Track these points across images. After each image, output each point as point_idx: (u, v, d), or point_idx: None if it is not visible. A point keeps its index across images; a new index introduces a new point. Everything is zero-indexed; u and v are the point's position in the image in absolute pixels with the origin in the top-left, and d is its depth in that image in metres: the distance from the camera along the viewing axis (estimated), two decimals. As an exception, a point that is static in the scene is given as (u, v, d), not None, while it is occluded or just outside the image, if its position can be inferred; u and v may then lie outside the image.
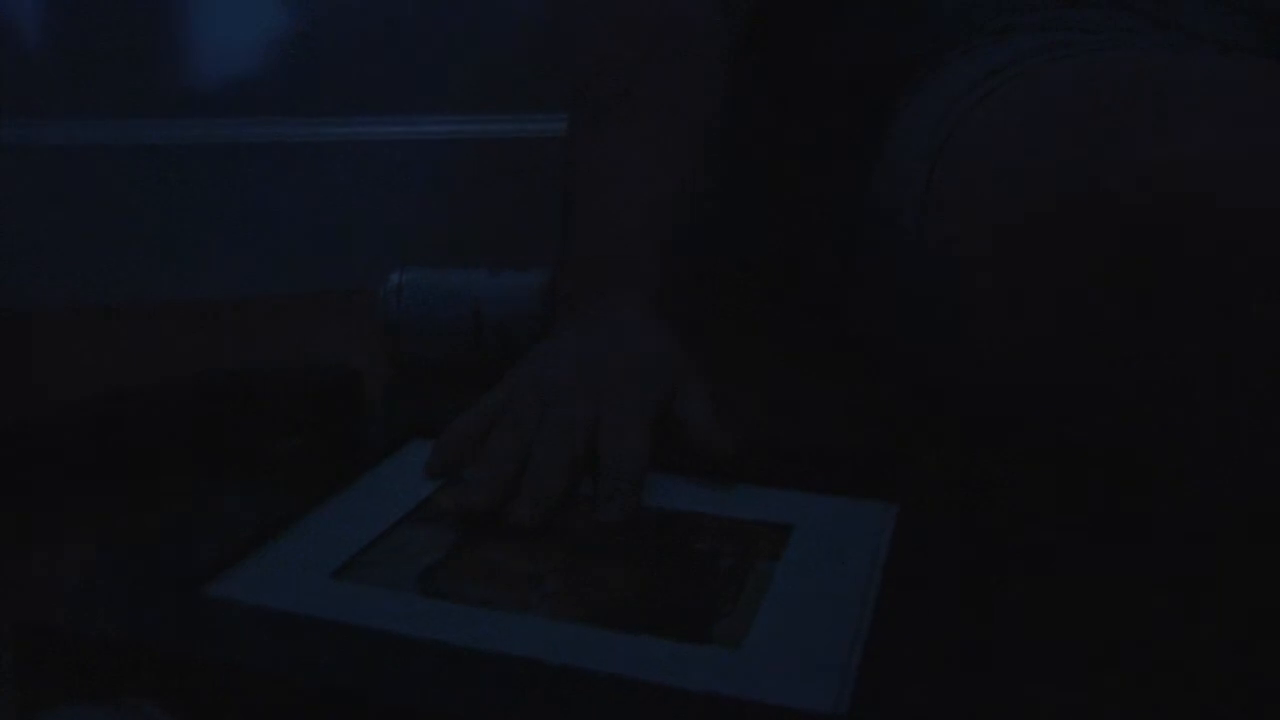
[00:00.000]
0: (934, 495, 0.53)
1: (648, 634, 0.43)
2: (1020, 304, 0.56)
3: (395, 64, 1.05)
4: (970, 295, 0.60)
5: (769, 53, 0.87)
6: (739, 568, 0.48)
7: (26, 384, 0.77)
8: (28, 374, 0.79)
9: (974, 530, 0.50)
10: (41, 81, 0.96)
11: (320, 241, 1.05)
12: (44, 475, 0.61)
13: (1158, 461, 0.54)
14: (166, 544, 0.48)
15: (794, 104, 0.86)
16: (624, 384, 0.58)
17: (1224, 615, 0.48)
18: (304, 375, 0.65)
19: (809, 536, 0.51)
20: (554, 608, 0.45)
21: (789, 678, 0.40)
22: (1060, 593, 0.50)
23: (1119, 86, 0.53)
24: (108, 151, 0.98)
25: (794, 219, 0.88)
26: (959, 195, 0.61)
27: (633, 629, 0.43)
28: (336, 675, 0.40)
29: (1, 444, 0.60)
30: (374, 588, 0.46)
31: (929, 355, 0.68)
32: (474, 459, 0.56)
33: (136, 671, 0.41)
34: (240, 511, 0.52)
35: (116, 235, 0.99)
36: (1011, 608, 0.48)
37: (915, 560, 0.47)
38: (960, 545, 0.49)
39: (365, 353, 0.87)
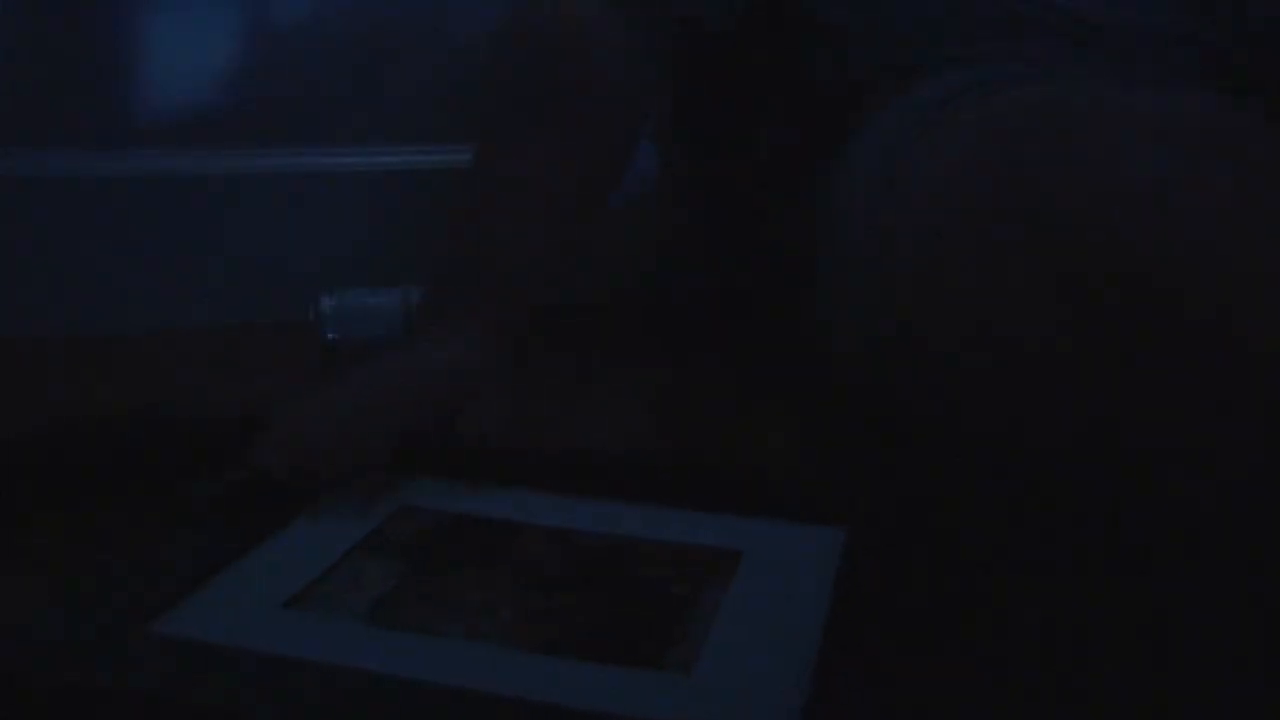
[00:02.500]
0: (883, 521, 0.54)
1: (599, 663, 0.43)
2: (970, 333, 0.57)
3: (341, 96, 1.05)
4: (921, 323, 0.61)
5: (716, 86, 0.88)
6: (689, 595, 0.49)
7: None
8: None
9: (923, 555, 0.50)
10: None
11: (266, 272, 1.04)
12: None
13: (1104, 482, 0.55)
14: (113, 582, 0.48)
15: (742, 133, 0.87)
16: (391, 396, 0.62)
17: (1180, 632, 0.49)
18: (221, 414, 0.66)
19: (758, 563, 0.52)
20: (506, 637, 0.45)
21: (740, 704, 0.40)
22: (1011, 617, 0.51)
23: (1059, 119, 0.55)
24: (54, 184, 0.97)
25: (747, 247, 0.89)
26: (906, 226, 0.62)
27: (584, 658, 0.44)
28: (285, 710, 0.39)
29: None
30: (324, 619, 0.46)
31: (883, 382, 0.69)
32: None
33: (84, 712, 0.41)
34: (187, 547, 0.52)
35: (61, 266, 0.98)
36: (960, 632, 0.49)
37: (864, 586, 0.48)
38: (909, 571, 0.49)
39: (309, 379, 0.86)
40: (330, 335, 0.80)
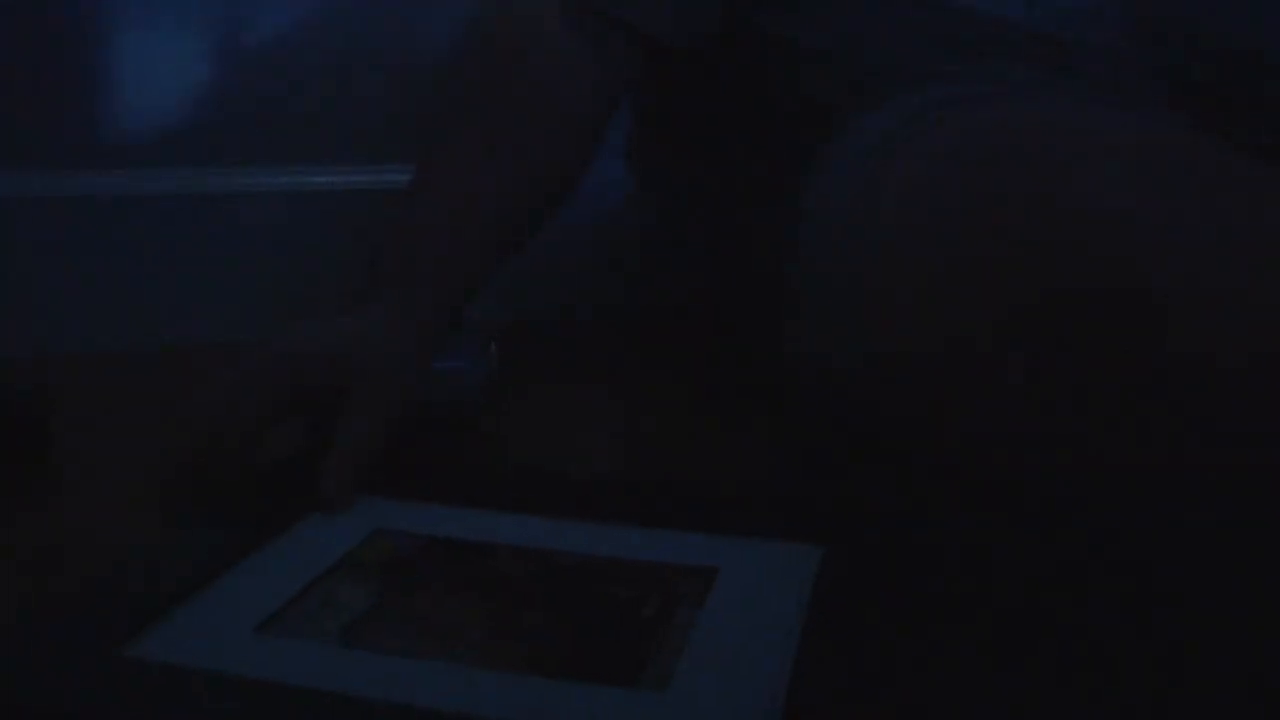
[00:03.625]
0: (859, 537, 0.54)
1: (573, 681, 0.43)
2: (937, 350, 0.58)
3: (308, 116, 1.05)
4: (889, 341, 0.62)
5: (680, 104, 0.89)
6: (662, 614, 0.49)
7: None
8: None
9: (899, 572, 0.51)
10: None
11: (235, 291, 1.04)
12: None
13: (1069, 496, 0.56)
14: (83, 604, 0.48)
15: (710, 151, 0.88)
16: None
17: (1153, 637, 0.49)
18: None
19: (733, 581, 0.52)
20: (479, 658, 0.45)
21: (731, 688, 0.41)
22: (987, 632, 0.51)
23: (1029, 139, 0.56)
24: (18, 204, 0.96)
25: (717, 263, 0.89)
26: (876, 244, 0.63)
27: (557, 677, 0.43)
28: None
29: None
30: (297, 642, 0.46)
31: (849, 400, 0.70)
32: None
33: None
34: (160, 567, 0.51)
35: (26, 287, 0.97)
36: (937, 649, 0.49)
37: (839, 603, 0.48)
38: (885, 587, 0.50)
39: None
40: None
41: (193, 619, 0.48)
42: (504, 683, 0.43)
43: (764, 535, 0.56)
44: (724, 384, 0.91)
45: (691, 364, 0.98)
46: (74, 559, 0.56)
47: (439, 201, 0.72)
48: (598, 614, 0.49)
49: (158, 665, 0.43)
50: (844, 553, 0.53)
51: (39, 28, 0.96)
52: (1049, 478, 0.55)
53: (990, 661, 0.49)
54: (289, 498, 0.59)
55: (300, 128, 1.06)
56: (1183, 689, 0.45)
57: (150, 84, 1.00)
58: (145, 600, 0.48)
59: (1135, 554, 0.55)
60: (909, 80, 0.72)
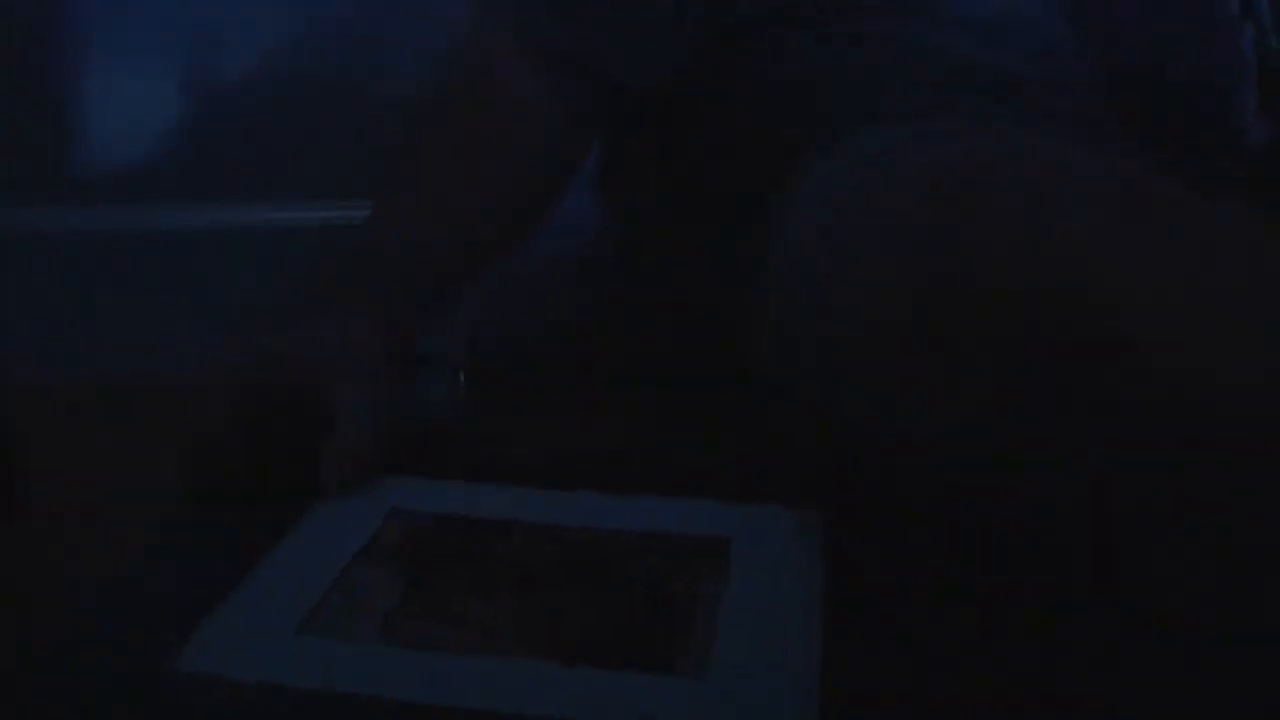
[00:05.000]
0: (854, 503, 0.57)
1: (615, 670, 0.45)
2: (901, 384, 0.59)
3: (279, 153, 1.03)
4: (855, 374, 0.63)
5: (646, 143, 0.88)
6: (688, 591, 0.51)
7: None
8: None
9: (904, 535, 0.53)
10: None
11: (206, 325, 1.02)
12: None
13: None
14: (121, 620, 0.48)
15: (682, 181, 0.87)
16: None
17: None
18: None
19: (748, 552, 0.54)
20: (519, 651, 0.47)
21: (762, 708, 0.43)
22: (1004, 586, 0.53)
23: (988, 174, 0.56)
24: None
25: (687, 297, 0.89)
26: (840, 280, 0.63)
27: (599, 666, 0.46)
28: None
29: None
30: (340, 643, 0.48)
31: (826, 426, 0.71)
32: None
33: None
34: (187, 573, 0.52)
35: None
36: (962, 611, 0.52)
37: (853, 569, 0.51)
38: (891, 550, 0.52)
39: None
40: None
41: (232, 624, 0.49)
42: (551, 677, 0.45)
43: (764, 500, 0.59)
44: (693, 408, 0.90)
45: (660, 392, 0.96)
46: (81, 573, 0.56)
47: (400, 221, 0.72)
48: (625, 595, 0.51)
49: (213, 679, 0.44)
50: (842, 519, 0.56)
51: (5, 64, 0.93)
52: (1016, 507, 0.57)
53: (1017, 614, 0.51)
54: (291, 492, 0.60)
55: (272, 164, 1.04)
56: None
57: (117, 120, 0.98)
58: (182, 609, 0.49)
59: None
60: (875, 117, 0.72)
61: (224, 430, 0.61)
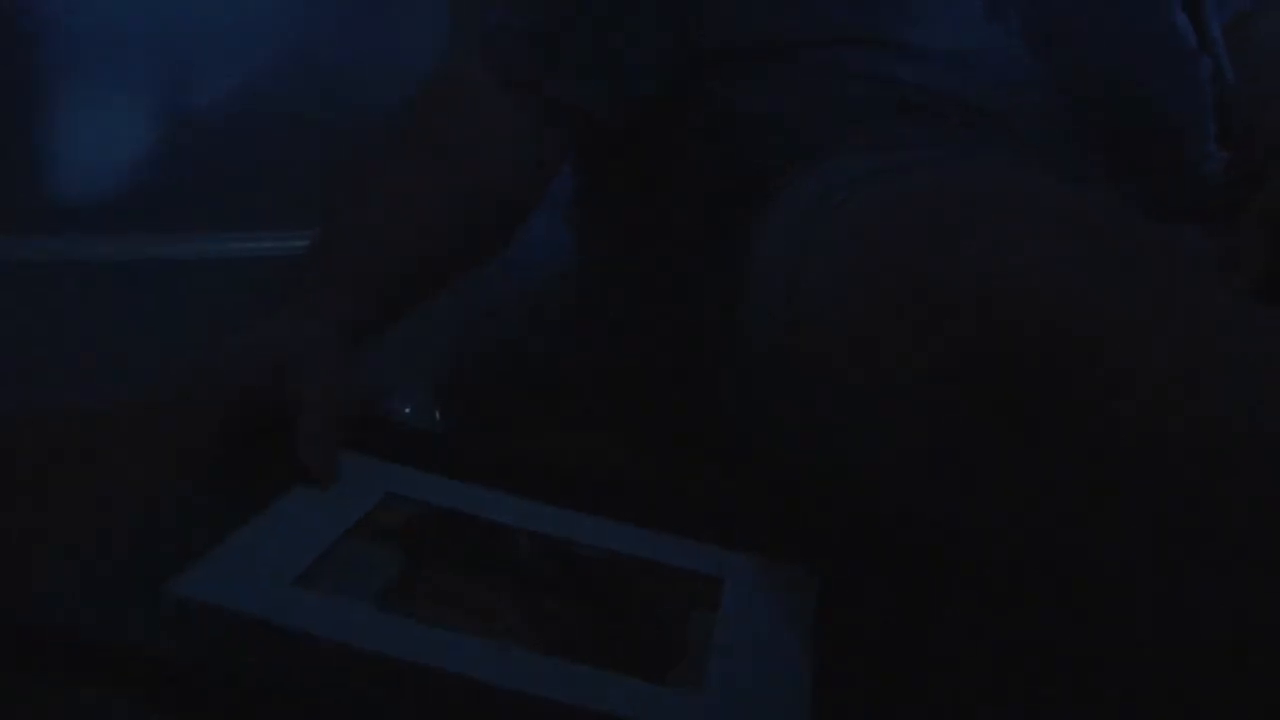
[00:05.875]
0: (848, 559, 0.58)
1: (611, 671, 0.45)
2: (870, 412, 0.60)
3: (251, 183, 1.04)
4: (823, 405, 0.64)
5: (616, 172, 0.89)
6: (680, 614, 0.51)
7: None
8: None
9: (898, 593, 0.54)
10: None
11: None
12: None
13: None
14: (128, 541, 0.48)
15: (653, 210, 0.87)
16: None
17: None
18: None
19: (741, 591, 0.55)
20: (517, 641, 0.47)
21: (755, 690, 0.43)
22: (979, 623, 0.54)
23: (958, 206, 0.58)
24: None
25: (657, 328, 0.90)
26: (810, 310, 0.64)
27: (595, 665, 0.46)
28: (313, 686, 0.40)
29: None
30: (338, 600, 0.47)
31: (788, 463, 0.71)
32: None
33: (103, 668, 0.41)
34: (198, 509, 0.52)
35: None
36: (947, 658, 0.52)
37: (844, 617, 0.52)
38: (885, 606, 0.53)
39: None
40: None
41: (232, 563, 0.48)
42: (547, 664, 0.45)
43: (760, 551, 0.59)
44: (663, 441, 0.90)
45: (627, 424, 0.96)
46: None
47: (363, 217, 0.72)
48: (623, 608, 0.51)
49: (204, 605, 0.44)
50: (839, 573, 0.56)
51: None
52: (978, 542, 0.58)
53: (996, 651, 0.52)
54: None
55: (243, 195, 1.05)
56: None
57: (90, 151, 0.98)
58: (183, 538, 0.48)
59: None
60: (842, 148, 0.74)
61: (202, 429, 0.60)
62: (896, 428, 0.58)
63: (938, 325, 0.54)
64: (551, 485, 0.62)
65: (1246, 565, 0.43)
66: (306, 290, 0.68)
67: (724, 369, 0.75)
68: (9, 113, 0.95)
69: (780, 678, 0.47)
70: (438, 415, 0.84)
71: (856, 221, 0.64)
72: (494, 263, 0.81)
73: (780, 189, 0.74)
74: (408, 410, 0.84)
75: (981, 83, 0.75)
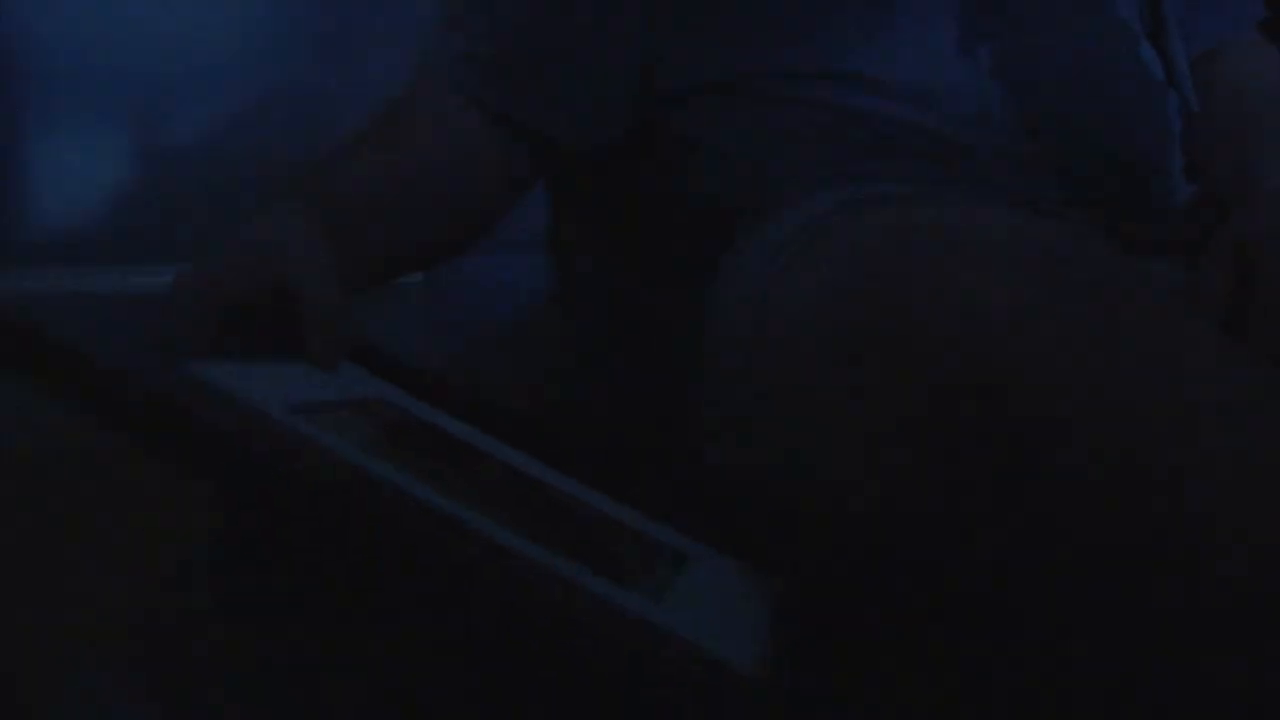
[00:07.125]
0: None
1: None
2: (836, 455, 0.61)
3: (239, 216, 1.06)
4: (789, 443, 0.65)
5: (586, 201, 0.91)
6: (647, 552, 0.52)
7: None
8: None
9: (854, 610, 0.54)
10: None
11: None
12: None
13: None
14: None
15: (617, 248, 0.90)
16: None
17: None
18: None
19: (704, 564, 0.55)
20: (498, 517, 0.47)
21: (712, 632, 0.43)
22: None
23: (924, 242, 0.59)
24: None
25: (632, 359, 0.91)
26: (774, 348, 0.65)
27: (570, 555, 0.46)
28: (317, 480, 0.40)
29: None
30: (331, 434, 0.47)
31: (763, 497, 0.72)
32: None
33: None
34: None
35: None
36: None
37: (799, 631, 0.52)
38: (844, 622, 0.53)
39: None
40: None
41: (236, 374, 0.48)
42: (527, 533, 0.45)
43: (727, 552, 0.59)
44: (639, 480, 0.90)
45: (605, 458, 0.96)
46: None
47: (367, 162, 0.73)
48: (591, 538, 0.51)
49: (214, 388, 0.44)
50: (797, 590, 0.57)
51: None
52: (948, 579, 0.58)
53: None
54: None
55: (223, 229, 1.06)
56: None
57: (69, 183, 1.01)
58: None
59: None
60: (810, 182, 0.74)
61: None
62: (860, 467, 0.58)
63: (902, 366, 0.54)
64: (539, 441, 0.62)
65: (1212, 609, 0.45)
66: (299, 195, 0.68)
67: (693, 390, 0.76)
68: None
69: (742, 611, 0.47)
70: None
71: (820, 262, 0.64)
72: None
73: (750, 223, 0.73)
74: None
75: (950, 117, 0.76)
